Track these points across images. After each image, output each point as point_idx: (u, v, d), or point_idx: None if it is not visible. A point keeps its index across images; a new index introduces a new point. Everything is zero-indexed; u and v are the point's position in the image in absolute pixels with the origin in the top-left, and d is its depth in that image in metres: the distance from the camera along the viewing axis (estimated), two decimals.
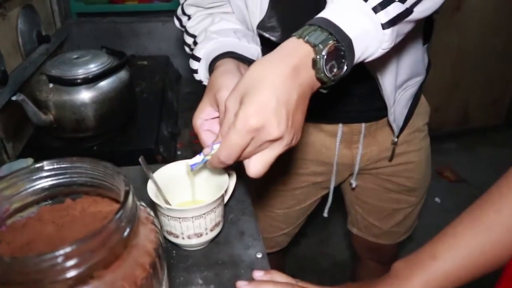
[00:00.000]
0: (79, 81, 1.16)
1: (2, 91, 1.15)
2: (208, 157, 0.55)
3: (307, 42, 0.52)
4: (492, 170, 2.74)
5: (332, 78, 0.54)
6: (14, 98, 1.08)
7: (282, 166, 0.97)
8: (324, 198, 1.10)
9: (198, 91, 1.78)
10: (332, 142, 0.94)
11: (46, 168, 0.41)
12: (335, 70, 0.53)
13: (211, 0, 0.80)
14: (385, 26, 0.54)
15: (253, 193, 0.82)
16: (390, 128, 0.91)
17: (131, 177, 0.77)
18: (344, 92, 0.85)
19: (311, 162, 0.98)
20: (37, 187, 0.41)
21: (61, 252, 0.31)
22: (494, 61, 2.81)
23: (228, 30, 0.76)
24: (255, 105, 0.50)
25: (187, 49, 0.83)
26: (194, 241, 0.58)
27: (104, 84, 1.20)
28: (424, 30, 0.88)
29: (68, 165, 0.41)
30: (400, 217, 1.08)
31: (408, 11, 0.56)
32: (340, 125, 0.91)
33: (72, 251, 0.31)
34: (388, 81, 0.80)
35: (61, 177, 0.42)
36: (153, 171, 0.62)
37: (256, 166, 0.54)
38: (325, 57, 0.51)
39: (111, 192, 0.42)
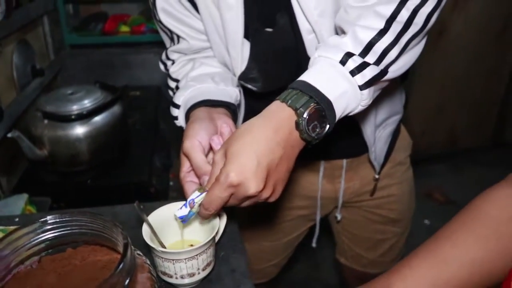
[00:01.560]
0: (73, 117, 1.20)
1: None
2: (195, 210, 0.61)
3: (290, 106, 0.58)
4: (481, 191, 2.81)
5: (316, 137, 0.59)
6: (9, 135, 1.11)
7: None
8: (313, 228, 1.13)
9: None
10: (315, 177, 0.98)
11: (49, 221, 0.44)
12: (317, 129, 0.58)
13: (194, 49, 0.85)
14: (362, 87, 0.59)
15: (240, 225, 0.85)
16: (372, 164, 0.96)
17: (125, 216, 0.80)
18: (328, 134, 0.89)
19: (296, 197, 1.02)
20: (41, 239, 0.45)
21: None
22: (479, 84, 2.89)
23: (206, 76, 0.81)
24: (237, 165, 0.56)
25: (170, 93, 0.88)
26: (187, 280, 0.61)
27: (98, 119, 1.24)
28: None
29: (69, 219, 0.45)
30: (386, 247, 1.11)
31: (383, 72, 0.61)
32: (322, 161, 0.96)
33: None
34: (367, 121, 0.85)
35: (62, 229, 0.45)
36: (148, 212, 0.65)
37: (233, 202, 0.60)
38: (307, 119, 0.57)
39: (109, 242, 0.46)
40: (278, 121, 0.58)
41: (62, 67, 1.94)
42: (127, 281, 0.39)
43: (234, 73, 0.81)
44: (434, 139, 2.98)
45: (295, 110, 0.57)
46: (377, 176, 0.97)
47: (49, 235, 0.45)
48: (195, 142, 0.65)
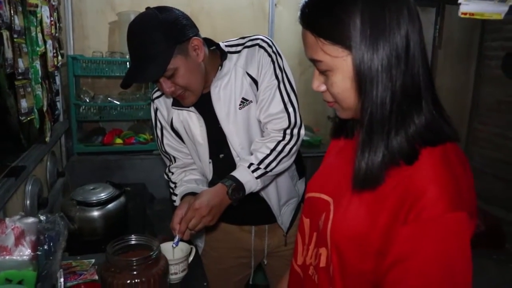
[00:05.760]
0: (94, 204, 1.84)
1: (45, 211, 1.82)
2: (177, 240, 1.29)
3: (225, 185, 1.31)
4: None
5: (235, 199, 1.32)
6: (56, 214, 1.73)
7: (220, 251, 1.67)
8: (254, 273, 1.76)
9: (166, 209, 2.47)
10: (249, 236, 1.65)
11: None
12: (235, 196, 1.32)
13: (185, 164, 1.58)
14: (257, 178, 1.33)
15: (206, 269, 1.49)
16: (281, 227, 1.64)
17: None
18: (253, 209, 1.58)
19: (237, 249, 1.67)
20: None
21: None
22: None
23: (192, 180, 1.54)
24: (198, 201, 1.28)
25: (170, 190, 1.58)
26: (173, 276, 1.25)
27: (110, 206, 1.87)
28: (298, 169, 1.66)
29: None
30: None
31: (267, 172, 1.35)
32: (253, 226, 1.64)
33: None
34: (274, 202, 1.55)
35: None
36: None
37: (193, 223, 1.28)
38: (232, 191, 1.30)
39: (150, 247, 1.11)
40: (218, 190, 1.32)
41: (73, 169, 2.59)
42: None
43: (207, 178, 1.54)
44: None
45: (227, 187, 1.31)
46: (285, 234, 1.65)
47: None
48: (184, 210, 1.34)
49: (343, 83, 0.79)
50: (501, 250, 3.47)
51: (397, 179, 0.77)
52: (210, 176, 1.54)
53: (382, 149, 0.77)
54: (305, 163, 1.76)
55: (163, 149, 1.59)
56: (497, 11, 0.76)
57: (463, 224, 0.72)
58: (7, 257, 1.02)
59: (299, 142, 1.43)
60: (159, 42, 1.28)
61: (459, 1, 0.74)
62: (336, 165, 0.96)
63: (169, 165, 1.62)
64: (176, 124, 1.52)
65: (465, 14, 0.74)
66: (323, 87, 0.85)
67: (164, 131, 1.57)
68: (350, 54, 0.76)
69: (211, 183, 1.54)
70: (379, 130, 0.76)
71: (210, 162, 1.51)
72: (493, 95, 4.02)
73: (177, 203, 1.49)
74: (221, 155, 1.51)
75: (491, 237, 3.48)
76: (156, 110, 1.58)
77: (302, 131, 1.43)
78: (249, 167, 1.35)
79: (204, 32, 1.45)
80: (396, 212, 0.75)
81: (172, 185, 1.59)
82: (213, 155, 1.51)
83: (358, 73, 0.76)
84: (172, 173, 1.60)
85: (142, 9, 1.38)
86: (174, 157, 1.59)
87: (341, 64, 0.78)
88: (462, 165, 0.80)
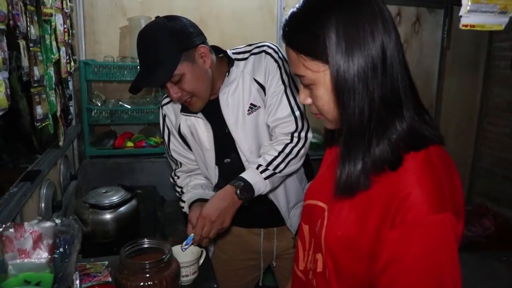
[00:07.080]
0: (107, 207, 1.88)
1: (59, 213, 1.86)
2: (187, 246, 1.33)
3: (233, 186, 1.34)
4: None
5: (245, 199, 1.35)
6: (71, 217, 1.78)
7: (229, 253, 1.70)
8: (264, 274, 1.79)
9: (176, 211, 2.51)
10: (258, 239, 1.68)
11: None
12: (245, 195, 1.35)
13: (190, 169, 1.62)
14: (266, 179, 1.36)
15: (215, 271, 1.53)
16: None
17: None
18: (262, 212, 1.61)
19: (246, 252, 1.70)
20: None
21: None
22: None
23: (198, 185, 1.57)
24: (205, 209, 1.31)
25: (177, 193, 1.62)
26: (185, 279, 1.28)
27: (122, 209, 1.92)
28: (307, 172, 1.69)
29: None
30: None
31: (275, 174, 1.38)
32: (262, 229, 1.66)
33: None
34: (282, 205, 1.58)
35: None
36: None
37: (206, 231, 1.32)
38: (240, 191, 1.33)
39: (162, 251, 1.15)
40: (226, 192, 1.35)
41: (85, 172, 2.65)
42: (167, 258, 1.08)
43: (211, 182, 1.57)
44: None
45: (235, 187, 1.34)
46: (293, 237, 1.68)
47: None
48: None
49: (325, 96, 0.83)
50: None
51: (383, 185, 0.81)
52: (215, 180, 1.57)
53: (361, 158, 0.80)
54: (314, 165, 1.79)
55: (170, 153, 1.63)
56: (497, 23, 0.79)
57: (447, 225, 0.75)
58: (26, 260, 1.06)
59: (307, 145, 1.46)
60: (166, 48, 1.32)
61: (460, 14, 0.77)
62: (329, 173, 1.00)
63: (175, 169, 1.66)
64: (184, 130, 1.56)
65: (466, 26, 0.77)
66: (308, 100, 0.89)
67: (171, 137, 1.61)
68: (329, 68, 0.80)
69: (217, 187, 1.57)
70: (358, 140, 0.80)
71: (216, 167, 1.54)
72: (502, 96, 4.01)
73: (185, 210, 1.53)
74: (227, 160, 1.54)
75: (501, 238, 3.48)
76: (164, 116, 1.62)
77: (310, 134, 1.45)
78: (257, 168, 1.38)
79: (212, 36, 1.49)
80: (383, 216, 0.79)
81: (179, 189, 1.63)
82: (219, 160, 1.54)
83: (336, 85, 0.79)
84: (178, 177, 1.65)
85: (152, 14, 1.43)
86: (180, 162, 1.63)
87: (322, 78, 0.82)
88: (446, 167, 0.83)
